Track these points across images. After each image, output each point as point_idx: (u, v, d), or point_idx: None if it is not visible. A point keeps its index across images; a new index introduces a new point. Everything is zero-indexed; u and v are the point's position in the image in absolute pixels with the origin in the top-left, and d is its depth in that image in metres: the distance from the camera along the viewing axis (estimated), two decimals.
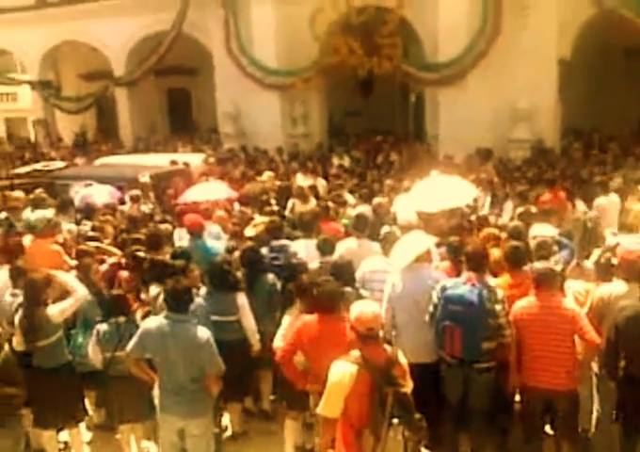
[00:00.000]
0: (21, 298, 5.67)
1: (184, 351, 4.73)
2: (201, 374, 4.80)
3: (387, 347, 4.14)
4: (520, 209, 8.23)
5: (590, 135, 16.36)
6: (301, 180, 12.31)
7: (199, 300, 5.67)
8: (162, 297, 5.31)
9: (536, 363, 5.01)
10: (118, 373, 5.38)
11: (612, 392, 4.96)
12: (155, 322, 4.89)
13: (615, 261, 5.44)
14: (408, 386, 4.05)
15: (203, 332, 4.80)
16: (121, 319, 5.47)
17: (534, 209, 8.19)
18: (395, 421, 3.81)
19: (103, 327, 5.50)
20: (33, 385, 5.18)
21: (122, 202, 10.25)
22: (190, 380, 4.79)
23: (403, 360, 4.11)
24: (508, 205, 9.67)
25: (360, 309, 4.10)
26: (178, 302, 4.82)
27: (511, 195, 10.04)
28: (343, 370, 3.92)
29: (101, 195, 10.32)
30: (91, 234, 7.76)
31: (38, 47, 22.70)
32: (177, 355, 4.73)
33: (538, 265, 5.25)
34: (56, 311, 5.48)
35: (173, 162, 13.10)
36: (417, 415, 3.87)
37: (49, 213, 8.70)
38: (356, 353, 3.98)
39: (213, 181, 11.52)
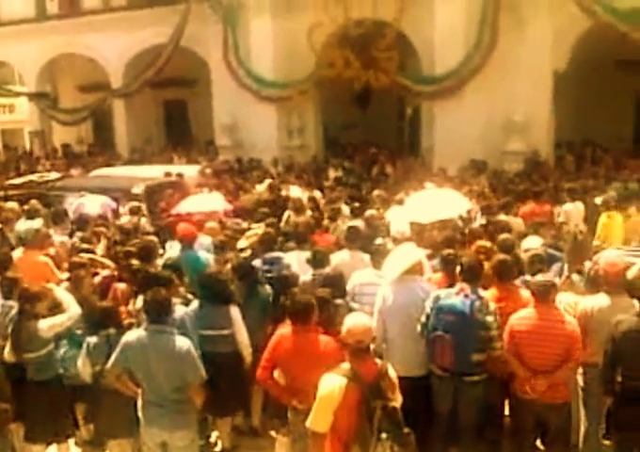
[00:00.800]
0: (15, 310, 5.63)
1: (165, 362, 4.70)
2: (184, 384, 4.77)
3: (377, 360, 4.12)
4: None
5: (583, 147, 16.41)
6: (296, 192, 12.30)
7: (187, 313, 5.62)
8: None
9: (533, 375, 4.96)
10: (107, 387, 5.30)
11: (599, 406, 4.94)
12: (135, 334, 4.88)
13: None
14: (398, 400, 4.02)
15: (183, 342, 4.78)
16: (112, 331, 5.39)
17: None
18: (384, 436, 3.78)
19: (92, 339, 5.42)
20: (24, 398, 5.14)
21: (117, 215, 10.22)
22: (172, 391, 4.76)
23: (392, 373, 4.09)
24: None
25: (352, 322, 4.08)
26: (157, 313, 4.81)
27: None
28: (332, 383, 3.90)
29: (93, 205, 10.29)
30: (83, 246, 7.70)
31: (36, 59, 22.73)
32: (158, 366, 4.70)
33: (538, 277, 5.23)
34: (46, 326, 5.44)
35: (167, 174, 13.08)
36: (406, 430, 3.84)
37: (37, 223, 8.66)
38: (346, 366, 3.97)
39: (207, 192, 11.51)
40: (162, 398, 4.77)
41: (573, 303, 5.41)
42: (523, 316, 5.07)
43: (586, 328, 5.14)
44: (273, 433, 5.69)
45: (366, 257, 6.91)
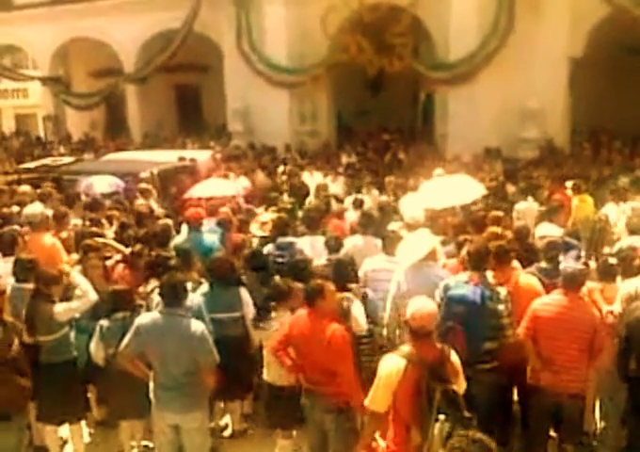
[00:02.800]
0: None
1: (179, 344, 4.71)
2: (196, 367, 4.77)
3: (439, 344, 4.09)
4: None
5: (599, 134, 16.24)
6: (309, 177, 12.31)
7: (197, 298, 5.62)
8: (157, 291, 5.29)
9: (550, 363, 4.94)
10: (120, 369, 5.29)
11: (618, 396, 4.90)
12: (149, 317, 4.90)
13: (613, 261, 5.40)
14: (461, 385, 4.03)
15: (198, 325, 4.80)
16: (126, 314, 5.42)
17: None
18: (442, 417, 3.74)
19: (105, 323, 5.44)
20: (38, 379, 5.18)
21: (128, 196, 10.23)
22: (184, 374, 4.76)
23: (456, 359, 4.07)
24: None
25: (417, 306, 4.07)
26: (173, 296, 4.83)
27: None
28: (391, 364, 3.93)
29: (101, 184, 10.35)
30: (92, 229, 7.69)
31: (49, 44, 22.76)
32: (172, 349, 4.71)
33: (567, 265, 5.19)
34: (62, 309, 5.43)
35: (181, 158, 13.07)
36: (467, 413, 3.79)
37: (38, 207, 8.65)
38: (406, 348, 3.97)
39: (219, 177, 11.51)
40: (174, 381, 4.77)
41: (586, 290, 5.34)
42: (548, 303, 5.02)
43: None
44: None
45: (379, 243, 6.90)
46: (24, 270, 5.90)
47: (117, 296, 5.58)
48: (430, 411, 3.75)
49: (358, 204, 9.05)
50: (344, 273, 5.71)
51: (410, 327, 4.00)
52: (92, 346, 5.49)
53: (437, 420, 3.74)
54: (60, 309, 5.42)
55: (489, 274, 5.47)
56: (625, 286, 5.30)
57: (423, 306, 4.06)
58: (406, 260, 5.72)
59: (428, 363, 3.84)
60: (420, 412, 3.79)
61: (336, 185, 11.74)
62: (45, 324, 5.39)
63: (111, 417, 5.92)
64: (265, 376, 5.48)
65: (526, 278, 5.53)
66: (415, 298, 4.21)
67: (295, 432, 5.51)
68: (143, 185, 10.35)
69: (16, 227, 7.63)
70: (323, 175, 12.48)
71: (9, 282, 5.98)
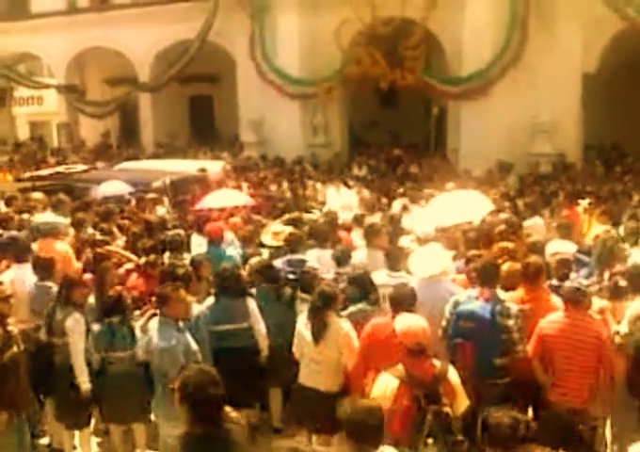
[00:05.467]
0: (54, 289, 5.83)
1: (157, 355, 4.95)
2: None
3: (436, 362, 4.05)
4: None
5: (611, 151, 16.18)
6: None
7: (202, 312, 5.64)
8: None
9: (559, 379, 4.92)
10: (111, 373, 5.45)
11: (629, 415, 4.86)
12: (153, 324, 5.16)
13: (621, 282, 5.36)
14: (460, 404, 3.96)
15: (172, 335, 4.96)
16: (115, 320, 5.49)
17: None
18: (430, 441, 3.71)
19: (96, 327, 5.55)
20: (53, 381, 5.32)
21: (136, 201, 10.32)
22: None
23: (454, 377, 4.00)
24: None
25: (408, 323, 4.01)
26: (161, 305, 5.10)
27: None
28: (384, 384, 3.91)
29: (107, 188, 10.65)
30: (99, 238, 7.74)
31: (65, 52, 22.95)
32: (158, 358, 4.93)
33: (570, 282, 5.16)
34: (71, 324, 5.50)
35: (201, 170, 13.02)
36: (459, 437, 3.75)
37: (49, 217, 8.72)
38: (400, 367, 3.93)
39: (230, 188, 11.55)
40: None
41: (598, 308, 5.32)
42: (554, 320, 5.01)
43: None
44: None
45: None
46: (42, 269, 6.18)
47: (109, 301, 5.63)
48: (420, 433, 3.72)
49: (359, 221, 8.93)
50: (363, 286, 5.70)
51: (405, 345, 3.96)
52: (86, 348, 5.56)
53: (425, 444, 3.71)
54: (71, 323, 5.49)
55: (518, 292, 5.43)
56: (633, 306, 5.26)
57: (413, 322, 4.04)
58: (420, 273, 5.70)
59: (422, 383, 3.80)
60: (409, 434, 3.75)
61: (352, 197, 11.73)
62: (61, 327, 5.49)
63: (104, 421, 5.93)
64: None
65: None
66: (402, 316, 4.18)
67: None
68: (152, 195, 10.39)
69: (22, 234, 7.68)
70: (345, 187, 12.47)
71: (31, 282, 6.18)
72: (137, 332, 5.49)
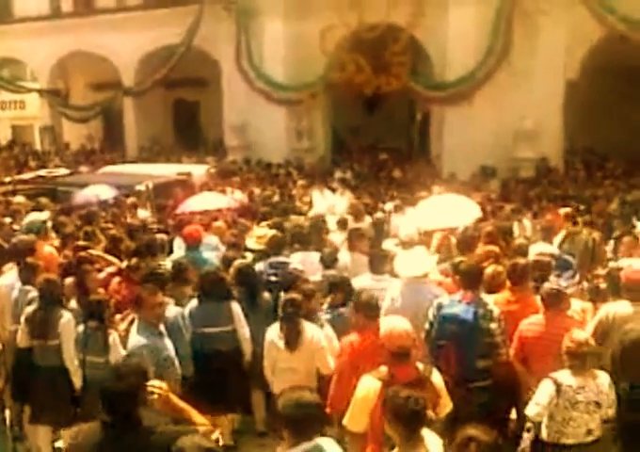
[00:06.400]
0: (33, 294, 5.79)
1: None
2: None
3: (419, 365, 4.05)
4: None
5: (592, 156, 16.35)
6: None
7: (181, 314, 5.60)
8: None
9: (539, 380, 4.86)
10: (88, 377, 5.40)
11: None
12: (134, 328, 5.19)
13: (602, 285, 5.38)
14: (444, 406, 3.99)
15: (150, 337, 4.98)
16: (92, 324, 5.42)
17: None
18: None
19: (80, 328, 5.51)
20: (33, 382, 5.30)
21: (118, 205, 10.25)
22: None
23: (437, 380, 4.01)
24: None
25: (392, 326, 4.01)
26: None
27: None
28: (367, 386, 3.92)
29: (91, 192, 10.53)
30: (80, 243, 7.65)
31: (48, 56, 22.85)
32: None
33: (548, 284, 5.18)
34: (67, 320, 5.51)
35: (180, 173, 12.99)
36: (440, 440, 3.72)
37: (44, 215, 8.64)
38: (383, 369, 3.94)
39: (214, 191, 11.51)
40: None
41: (580, 310, 5.35)
42: (533, 322, 5.02)
43: (607, 334, 5.05)
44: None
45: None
46: (26, 273, 6.16)
47: (89, 305, 5.58)
48: None
49: (342, 225, 8.91)
50: (341, 291, 5.68)
51: (389, 348, 3.96)
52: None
53: None
54: (65, 320, 5.49)
55: (504, 294, 5.45)
56: (602, 309, 5.27)
57: (396, 325, 4.03)
58: (405, 273, 5.70)
59: (405, 386, 3.77)
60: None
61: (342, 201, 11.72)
62: (55, 327, 5.48)
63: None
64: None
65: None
66: (385, 318, 4.18)
67: None
68: (132, 199, 10.33)
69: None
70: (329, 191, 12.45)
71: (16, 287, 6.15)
72: (113, 339, 5.38)
